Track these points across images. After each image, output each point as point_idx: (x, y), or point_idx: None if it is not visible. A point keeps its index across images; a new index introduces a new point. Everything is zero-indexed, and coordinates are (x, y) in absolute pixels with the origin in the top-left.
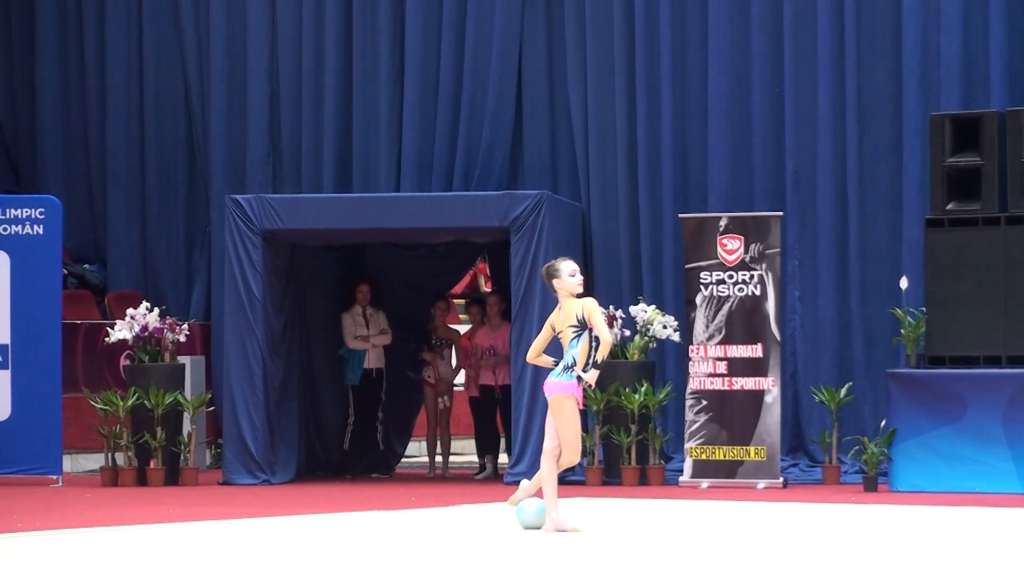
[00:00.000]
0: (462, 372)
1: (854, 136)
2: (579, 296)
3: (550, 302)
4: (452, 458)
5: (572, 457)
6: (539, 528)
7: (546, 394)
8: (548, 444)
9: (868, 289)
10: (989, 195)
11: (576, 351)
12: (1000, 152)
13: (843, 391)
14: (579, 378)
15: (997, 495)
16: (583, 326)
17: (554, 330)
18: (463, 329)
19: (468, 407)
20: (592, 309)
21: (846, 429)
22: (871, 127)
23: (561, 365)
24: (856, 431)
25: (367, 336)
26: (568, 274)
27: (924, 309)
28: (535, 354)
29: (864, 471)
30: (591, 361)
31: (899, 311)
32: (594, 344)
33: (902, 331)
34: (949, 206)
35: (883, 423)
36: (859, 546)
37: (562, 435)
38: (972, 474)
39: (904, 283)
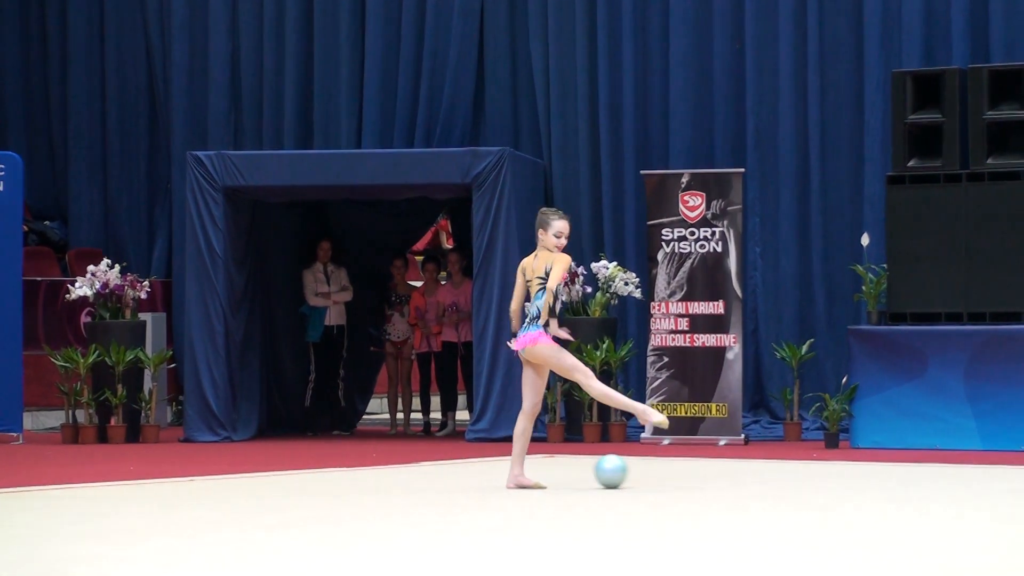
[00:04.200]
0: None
1: (816, 93)
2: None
3: (512, 258)
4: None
5: (587, 378)
6: (616, 487)
7: (516, 349)
8: (526, 403)
9: (830, 246)
10: (951, 152)
11: (540, 303)
12: (962, 109)
13: (804, 348)
14: (545, 327)
15: (958, 451)
16: (547, 278)
17: (524, 276)
18: None
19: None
20: (559, 260)
21: (807, 386)
22: (833, 84)
23: (528, 318)
24: (817, 388)
25: (328, 293)
26: (554, 233)
27: (885, 266)
28: (519, 303)
29: (825, 428)
30: (552, 311)
31: (860, 268)
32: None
33: (863, 288)
34: (911, 163)
35: (844, 380)
36: (818, 502)
37: (566, 372)
38: (933, 431)
39: (865, 240)
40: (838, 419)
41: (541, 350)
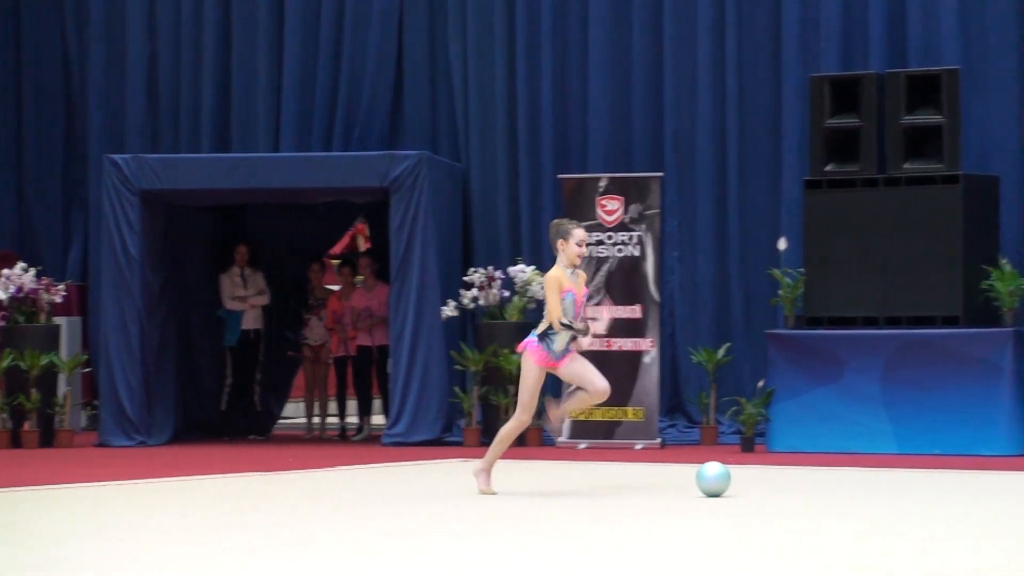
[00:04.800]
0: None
1: (734, 97)
2: (575, 268)
3: (430, 262)
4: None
5: (526, 418)
6: (719, 495)
7: (518, 349)
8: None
9: (747, 250)
10: (868, 157)
11: (545, 312)
12: (879, 114)
13: (721, 352)
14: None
15: (874, 455)
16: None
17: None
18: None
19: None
20: (546, 285)
21: (724, 390)
22: (751, 88)
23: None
24: (734, 392)
25: (245, 297)
26: (576, 241)
27: (803, 270)
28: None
29: (742, 431)
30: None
31: (777, 272)
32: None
33: (780, 292)
34: (828, 167)
35: (761, 384)
36: (731, 506)
37: (520, 394)
38: (849, 434)
39: (782, 244)
40: (754, 423)
41: (523, 360)
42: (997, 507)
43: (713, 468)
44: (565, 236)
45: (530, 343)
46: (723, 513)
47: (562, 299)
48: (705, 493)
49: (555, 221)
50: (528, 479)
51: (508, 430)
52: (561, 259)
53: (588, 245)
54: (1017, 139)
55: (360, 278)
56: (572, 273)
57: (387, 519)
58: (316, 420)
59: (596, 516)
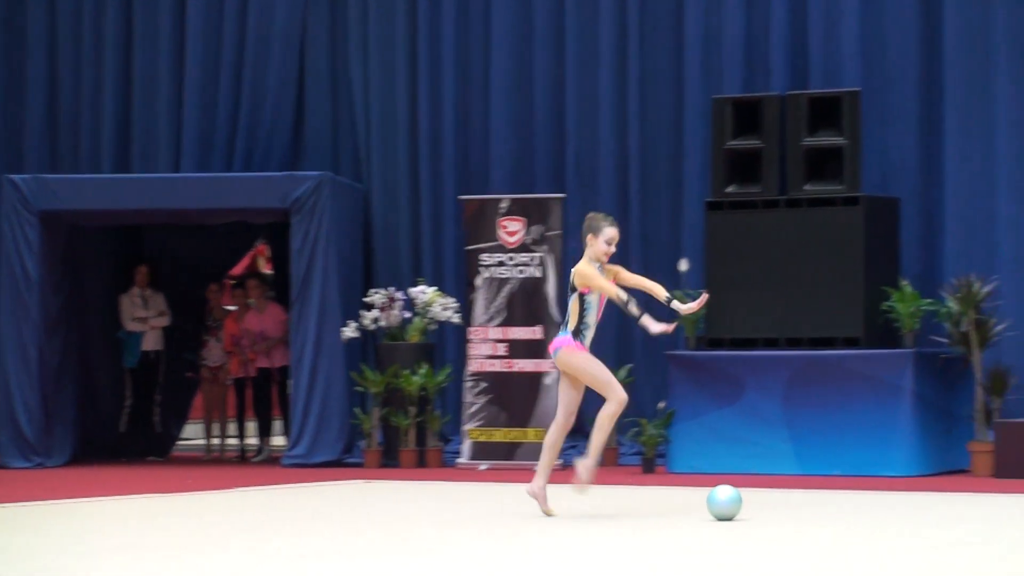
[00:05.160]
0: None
1: (636, 118)
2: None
3: (331, 283)
4: (227, 441)
5: (619, 395)
6: (731, 519)
7: (551, 353)
8: (559, 414)
9: (649, 271)
10: (769, 178)
11: (568, 312)
12: (780, 135)
13: (623, 373)
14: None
15: (775, 476)
16: (572, 291)
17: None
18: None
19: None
20: (582, 275)
21: (626, 411)
22: (653, 110)
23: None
24: (635, 413)
25: (145, 318)
26: (605, 239)
27: (704, 291)
28: (636, 284)
29: (642, 453)
30: (630, 312)
31: (679, 293)
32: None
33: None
34: (729, 188)
35: (661, 405)
36: (631, 526)
37: (595, 384)
38: (750, 455)
39: (683, 265)
40: (655, 444)
41: (565, 360)
42: (895, 526)
43: (724, 492)
44: (595, 232)
45: (566, 340)
46: (623, 531)
47: (585, 294)
48: (716, 517)
49: (590, 215)
50: (430, 501)
51: (609, 413)
52: (588, 253)
53: (491, 267)
54: (917, 161)
55: (251, 300)
56: (600, 268)
57: (286, 541)
58: (216, 441)
59: (496, 537)
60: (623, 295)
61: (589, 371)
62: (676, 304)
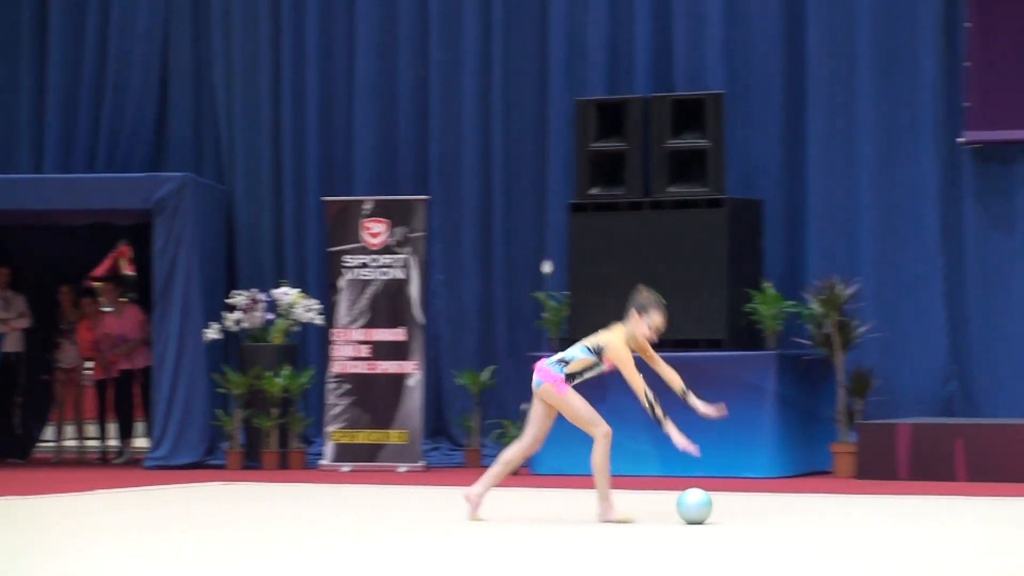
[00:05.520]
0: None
1: (500, 120)
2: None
3: (194, 284)
4: (87, 443)
5: (603, 430)
6: (702, 522)
7: (536, 378)
8: (526, 434)
9: (512, 273)
10: (633, 180)
11: (576, 357)
12: (644, 137)
13: (486, 374)
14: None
15: (638, 477)
16: (595, 352)
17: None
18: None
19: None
20: (616, 355)
21: (488, 412)
22: (517, 111)
23: (557, 356)
24: (498, 414)
25: (6, 319)
26: (650, 325)
27: (567, 293)
28: (655, 366)
29: None
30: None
31: (542, 295)
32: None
33: (545, 315)
34: (593, 190)
35: (524, 406)
36: (488, 528)
37: (577, 421)
38: (614, 457)
39: (547, 267)
40: None
41: (552, 393)
42: (756, 529)
43: (694, 495)
44: (643, 311)
45: (557, 379)
46: (488, 534)
47: (605, 365)
48: (687, 520)
49: (644, 291)
50: (291, 503)
51: (600, 452)
52: (628, 328)
53: (354, 268)
54: (780, 163)
55: (106, 304)
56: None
57: (146, 543)
58: (69, 443)
59: (356, 538)
60: (650, 395)
61: (572, 408)
62: (692, 400)
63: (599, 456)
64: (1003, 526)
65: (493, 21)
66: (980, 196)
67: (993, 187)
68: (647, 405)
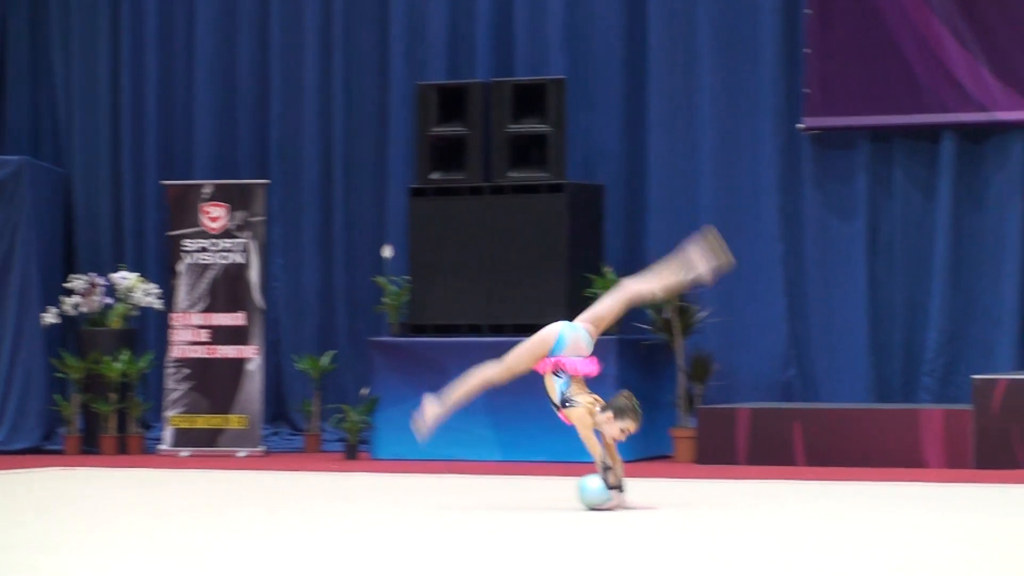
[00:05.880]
0: None
1: (340, 104)
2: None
3: (33, 268)
4: None
5: (502, 369)
6: (600, 508)
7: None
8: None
9: (353, 258)
10: (474, 165)
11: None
12: (485, 122)
13: (326, 359)
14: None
15: (477, 462)
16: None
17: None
18: None
19: None
20: (579, 421)
21: (329, 397)
22: (358, 97)
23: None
24: (339, 399)
25: None
26: (621, 428)
27: (408, 278)
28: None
29: (346, 439)
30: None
31: (382, 279)
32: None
33: (385, 300)
34: (434, 175)
35: (364, 391)
36: (329, 511)
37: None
38: (453, 441)
39: (387, 252)
40: (358, 430)
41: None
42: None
43: (594, 481)
44: (619, 415)
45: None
46: (329, 520)
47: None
48: (588, 506)
49: (625, 396)
50: (131, 488)
51: (486, 373)
52: (599, 417)
53: (194, 253)
54: (621, 148)
55: None
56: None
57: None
58: None
59: (205, 523)
60: (605, 460)
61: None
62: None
63: (482, 374)
64: (842, 508)
65: (334, 4)
66: (819, 182)
67: (832, 174)
68: (599, 463)
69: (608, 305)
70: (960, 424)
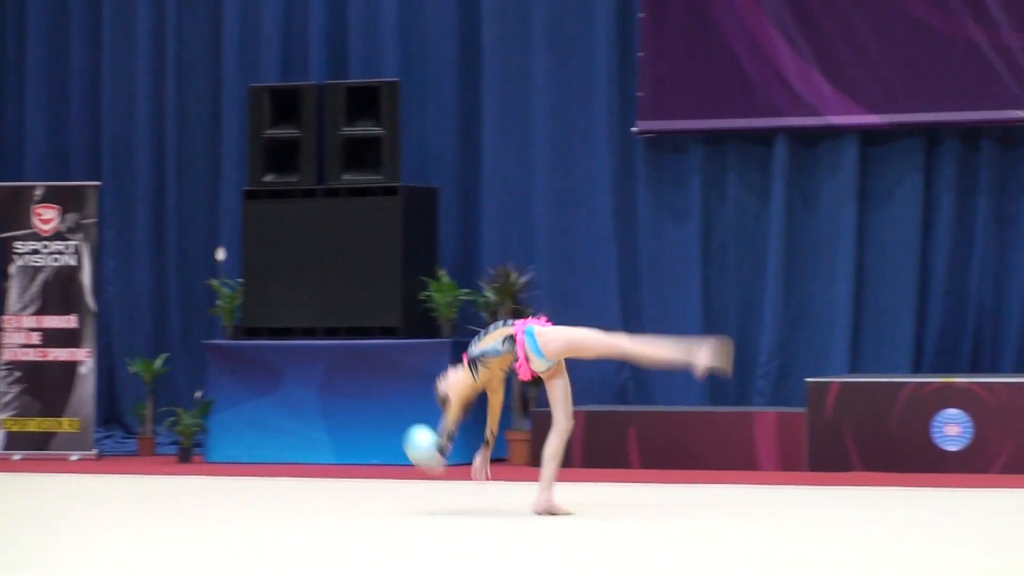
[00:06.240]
0: None
1: (173, 106)
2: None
3: None
4: None
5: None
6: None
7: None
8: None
9: (186, 260)
10: (307, 167)
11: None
12: (319, 125)
13: (159, 362)
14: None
15: (312, 465)
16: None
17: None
18: None
19: None
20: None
21: (162, 400)
22: (191, 98)
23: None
24: (172, 402)
25: None
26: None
27: (241, 280)
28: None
29: (179, 442)
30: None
31: (216, 282)
32: None
33: (219, 302)
34: (267, 178)
35: (198, 394)
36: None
37: (568, 395)
38: (287, 444)
39: (221, 254)
40: (192, 434)
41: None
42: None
43: (423, 438)
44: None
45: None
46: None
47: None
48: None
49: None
50: None
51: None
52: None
53: (25, 255)
54: (455, 151)
55: None
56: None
57: None
58: None
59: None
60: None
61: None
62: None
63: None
64: (677, 512)
65: (166, 5)
66: (652, 185)
67: (665, 177)
68: (446, 432)
69: (596, 341)
70: (794, 427)
